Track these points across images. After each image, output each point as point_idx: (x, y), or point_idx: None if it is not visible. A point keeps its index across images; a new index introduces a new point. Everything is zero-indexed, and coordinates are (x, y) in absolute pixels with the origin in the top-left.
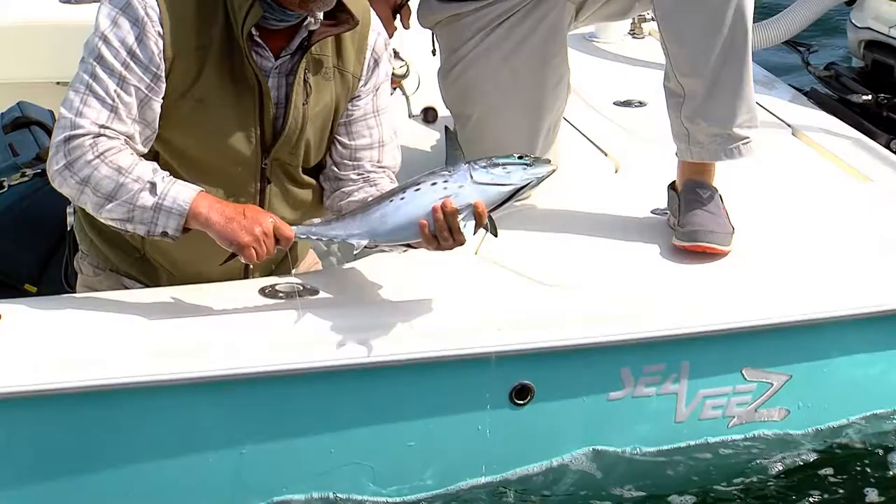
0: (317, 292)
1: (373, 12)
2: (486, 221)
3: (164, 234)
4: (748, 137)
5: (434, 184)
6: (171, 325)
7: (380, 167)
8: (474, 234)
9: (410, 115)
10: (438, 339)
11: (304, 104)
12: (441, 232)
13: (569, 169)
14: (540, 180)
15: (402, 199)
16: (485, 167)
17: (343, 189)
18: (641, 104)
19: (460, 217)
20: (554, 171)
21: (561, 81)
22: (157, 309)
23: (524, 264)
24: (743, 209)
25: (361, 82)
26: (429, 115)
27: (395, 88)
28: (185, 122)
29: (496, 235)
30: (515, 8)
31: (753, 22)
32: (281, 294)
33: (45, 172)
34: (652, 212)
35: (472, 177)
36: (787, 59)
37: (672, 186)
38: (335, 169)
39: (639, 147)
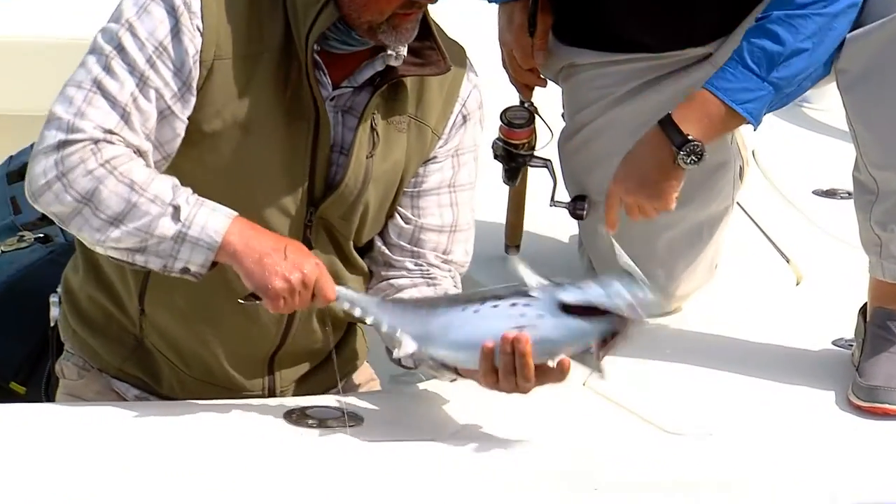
0: (361, 421)
1: (469, 66)
2: (566, 373)
3: (186, 270)
4: None
5: (514, 304)
6: (165, 455)
7: (445, 262)
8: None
9: (553, 202)
10: (511, 496)
11: (368, 156)
12: (504, 367)
13: (733, 277)
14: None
15: (477, 311)
16: (577, 288)
17: (393, 281)
18: (850, 195)
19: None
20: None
21: (720, 170)
22: (151, 430)
23: (643, 401)
24: None
25: (441, 141)
26: (578, 207)
27: (543, 164)
28: (216, 150)
29: (602, 376)
30: (651, 72)
31: None
32: (312, 422)
33: (48, 237)
34: (834, 343)
35: (559, 304)
36: None
37: (862, 311)
38: (387, 251)
39: (834, 253)
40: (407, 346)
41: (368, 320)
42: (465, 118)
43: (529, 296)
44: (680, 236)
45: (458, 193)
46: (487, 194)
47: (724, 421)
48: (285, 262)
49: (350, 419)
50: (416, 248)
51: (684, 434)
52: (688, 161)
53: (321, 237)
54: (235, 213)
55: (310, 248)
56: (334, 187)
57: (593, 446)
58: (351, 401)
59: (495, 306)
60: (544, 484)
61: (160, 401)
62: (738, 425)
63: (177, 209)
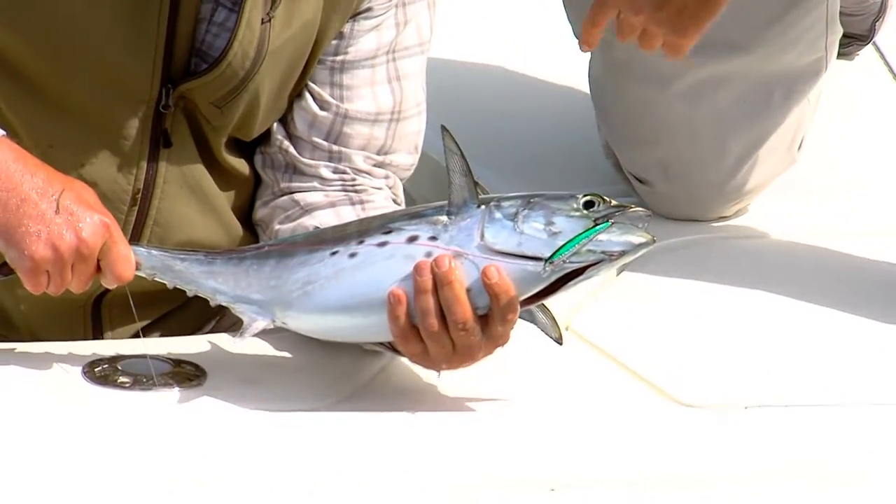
0: (201, 379)
1: None
2: (514, 313)
3: None
4: None
5: (413, 238)
6: None
7: (380, 165)
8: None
9: None
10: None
11: (264, 21)
12: (425, 320)
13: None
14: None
15: (354, 256)
16: (512, 220)
17: (299, 196)
18: None
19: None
20: (649, 245)
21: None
22: None
23: (651, 355)
24: None
25: None
26: None
27: None
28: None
29: (559, 342)
30: None
31: None
32: (124, 382)
33: None
34: None
35: (483, 237)
36: None
37: None
38: (292, 150)
39: None
40: (252, 324)
41: (190, 291)
42: None
43: (438, 220)
44: (737, 99)
45: (404, 62)
46: None
47: (772, 389)
48: (55, 218)
49: (179, 377)
50: (336, 147)
51: (703, 407)
52: None
53: (182, 130)
54: (1, 134)
55: (168, 145)
56: (213, 63)
57: (560, 424)
58: (200, 345)
59: (382, 244)
60: (476, 481)
61: None
62: (793, 394)
63: None
